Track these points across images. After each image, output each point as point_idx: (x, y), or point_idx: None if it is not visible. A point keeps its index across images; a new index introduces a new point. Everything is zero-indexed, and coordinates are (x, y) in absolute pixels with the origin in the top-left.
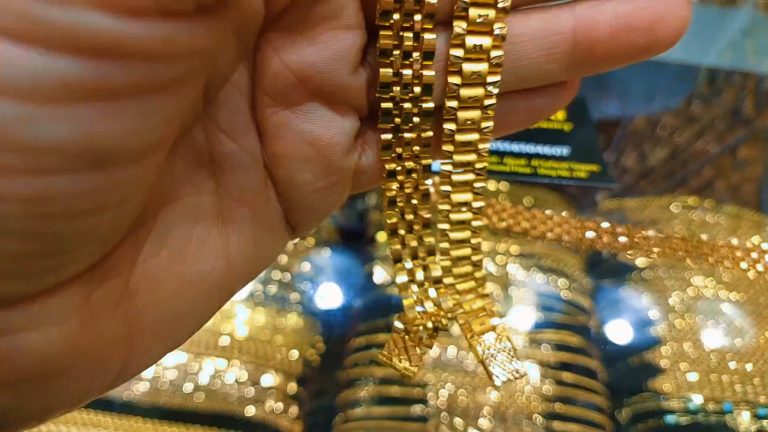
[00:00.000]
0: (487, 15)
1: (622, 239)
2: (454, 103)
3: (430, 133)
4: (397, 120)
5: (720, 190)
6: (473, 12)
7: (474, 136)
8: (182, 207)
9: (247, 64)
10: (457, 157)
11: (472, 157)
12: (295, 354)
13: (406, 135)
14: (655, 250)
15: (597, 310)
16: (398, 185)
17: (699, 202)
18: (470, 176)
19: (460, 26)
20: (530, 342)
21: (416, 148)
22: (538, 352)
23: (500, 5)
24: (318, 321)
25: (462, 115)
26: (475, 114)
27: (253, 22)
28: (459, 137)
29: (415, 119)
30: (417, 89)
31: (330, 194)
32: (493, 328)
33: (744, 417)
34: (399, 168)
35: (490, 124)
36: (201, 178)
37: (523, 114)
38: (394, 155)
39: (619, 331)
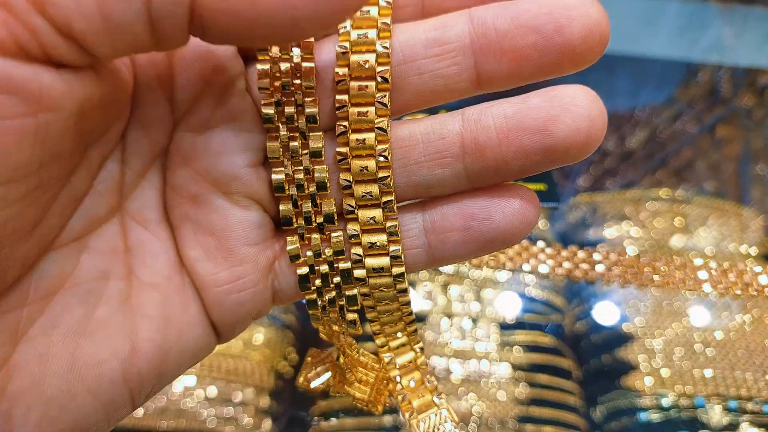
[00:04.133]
0: (367, 112)
1: (599, 268)
2: (355, 227)
3: (340, 235)
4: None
5: (700, 169)
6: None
7: (384, 260)
8: (82, 291)
9: (161, 162)
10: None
11: (386, 280)
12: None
13: (314, 237)
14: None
15: (570, 308)
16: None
17: (670, 194)
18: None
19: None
20: (502, 344)
21: (328, 251)
22: (511, 354)
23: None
24: (290, 332)
25: (366, 239)
26: (380, 238)
27: (163, 123)
28: (368, 261)
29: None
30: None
31: (237, 291)
32: (434, 405)
33: (716, 411)
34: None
35: (398, 248)
36: (111, 265)
37: (460, 234)
38: (304, 259)
39: (592, 329)
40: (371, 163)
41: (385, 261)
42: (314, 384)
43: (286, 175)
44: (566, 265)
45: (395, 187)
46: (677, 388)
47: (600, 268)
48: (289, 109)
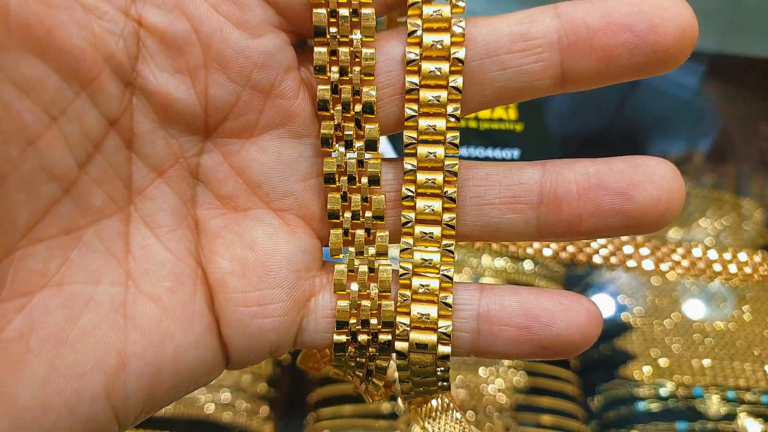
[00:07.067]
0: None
1: (603, 252)
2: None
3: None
4: (351, 251)
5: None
6: (422, 150)
7: (434, 311)
8: (67, 293)
9: (186, 163)
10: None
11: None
12: None
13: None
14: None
15: None
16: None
17: None
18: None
19: (411, 163)
20: None
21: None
22: None
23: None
24: None
25: (417, 280)
26: (435, 258)
27: (190, 124)
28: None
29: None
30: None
31: (263, 316)
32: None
33: (714, 401)
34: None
35: (449, 324)
36: (104, 267)
37: (515, 332)
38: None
39: None
40: (440, 151)
41: (431, 338)
42: (313, 365)
43: (338, 166)
44: (570, 249)
45: (463, 224)
46: (675, 378)
47: (603, 252)
48: (345, 95)
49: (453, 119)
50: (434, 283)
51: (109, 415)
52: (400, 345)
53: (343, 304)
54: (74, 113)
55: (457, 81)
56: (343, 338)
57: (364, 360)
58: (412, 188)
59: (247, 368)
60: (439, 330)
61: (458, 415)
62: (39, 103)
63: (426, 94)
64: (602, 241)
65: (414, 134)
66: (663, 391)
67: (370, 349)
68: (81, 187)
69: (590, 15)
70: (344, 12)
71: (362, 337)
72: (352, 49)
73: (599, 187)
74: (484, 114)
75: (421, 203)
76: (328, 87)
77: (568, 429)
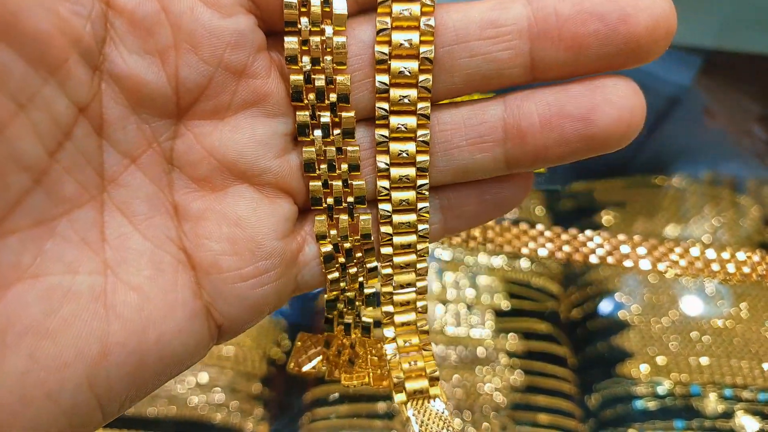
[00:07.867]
0: (409, 95)
1: (600, 252)
2: (387, 207)
3: (368, 217)
4: (330, 201)
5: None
6: (394, 92)
7: (412, 238)
8: (44, 285)
9: (159, 148)
10: (397, 259)
11: (411, 257)
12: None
13: (342, 218)
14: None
15: (566, 295)
16: (339, 275)
17: (665, 181)
18: (411, 271)
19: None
20: (498, 331)
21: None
22: (506, 341)
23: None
24: (282, 318)
25: (397, 219)
26: (410, 218)
27: (161, 107)
28: (397, 239)
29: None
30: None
31: (262, 284)
32: (428, 390)
33: (711, 399)
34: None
35: (426, 226)
36: (81, 257)
37: (475, 207)
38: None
39: (588, 316)
40: (411, 147)
41: (412, 238)
42: (305, 368)
43: (317, 155)
44: (566, 248)
45: (434, 170)
46: (673, 376)
47: (600, 252)
48: (319, 83)
49: (423, 117)
50: (413, 197)
51: (92, 404)
52: (385, 250)
53: (322, 218)
54: (42, 101)
55: (427, 80)
56: (330, 248)
57: (355, 271)
58: (387, 184)
59: (241, 368)
60: (418, 233)
61: (446, 411)
62: (5, 91)
63: (396, 93)
64: (599, 240)
65: (386, 132)
66: (660, 390)
67: (356, 254)
68: (52, 176)
69: (561, 3)
70: (315, 1)
71: (346, 245)
72: (323, 38)
73: (560, 115)
74: None
75: (396, 195)
76: (301, 77)
77: (565, 428)
